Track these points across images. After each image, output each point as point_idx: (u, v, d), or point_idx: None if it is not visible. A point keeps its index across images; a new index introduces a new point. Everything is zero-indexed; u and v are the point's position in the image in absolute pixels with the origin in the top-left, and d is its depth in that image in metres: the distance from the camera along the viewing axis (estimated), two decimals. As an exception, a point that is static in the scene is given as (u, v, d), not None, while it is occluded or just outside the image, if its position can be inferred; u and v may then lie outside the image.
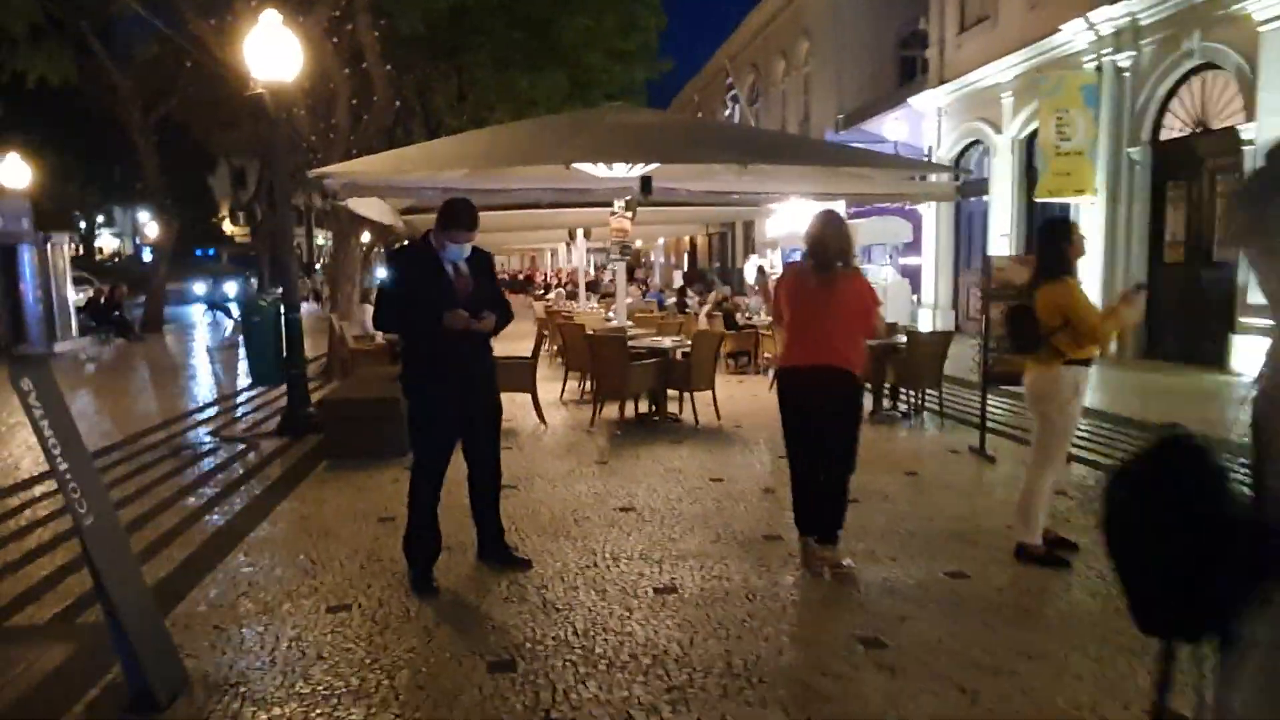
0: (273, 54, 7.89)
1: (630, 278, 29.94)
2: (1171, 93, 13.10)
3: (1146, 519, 1.73)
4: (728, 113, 32.88)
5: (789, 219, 20.00)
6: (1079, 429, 7.50)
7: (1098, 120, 14.03)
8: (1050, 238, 4.77)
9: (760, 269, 28.36)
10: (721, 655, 3.57)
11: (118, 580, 3.11)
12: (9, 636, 3.96)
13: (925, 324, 18.78)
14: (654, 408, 8.88)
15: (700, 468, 6.85)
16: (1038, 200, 15.12)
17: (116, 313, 20.28)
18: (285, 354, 8.56)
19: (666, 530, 5.23)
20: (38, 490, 6.45)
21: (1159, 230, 13.46)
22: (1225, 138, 11.84)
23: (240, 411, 9.81)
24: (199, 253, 53.51)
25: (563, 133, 8.90)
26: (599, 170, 9.37)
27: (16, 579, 4.63)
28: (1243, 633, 1.73)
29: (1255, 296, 11.18)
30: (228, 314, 21.96)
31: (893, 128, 20.90)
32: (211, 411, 9.90)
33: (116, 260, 57.89)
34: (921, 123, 20.09)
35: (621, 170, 9.46)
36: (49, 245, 3.08)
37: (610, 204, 10.46)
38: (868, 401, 8.23)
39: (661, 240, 38.81)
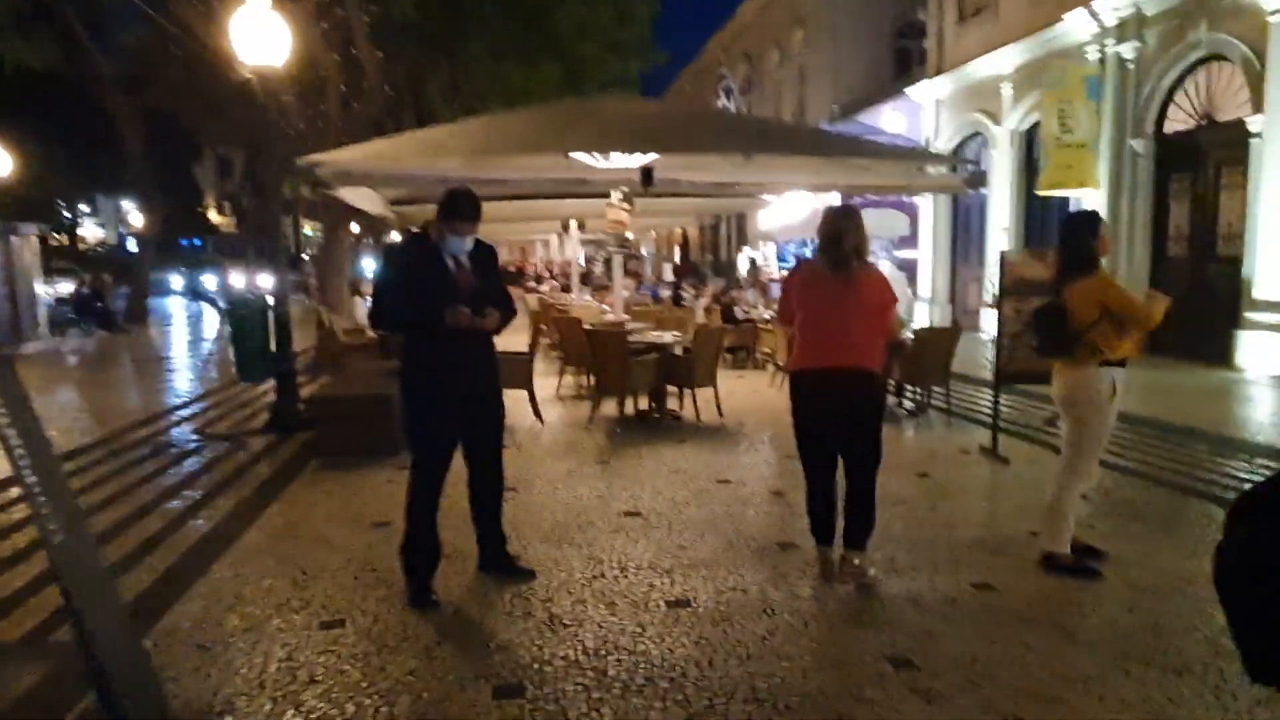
0: (261, 38, 7.60)
1: (624, 271, 29.74)
2: (1176, 84, 12.89)
3: (1274, 557, 1.49)
4: (720, 104, 32.60)
5: (783, 212, 19.79)
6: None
7: (1100, 112, 13.83)
8: (1076, 232, 4.54)
9: (752, 261, 28.27)
10: (744, 678, 3.33)
11: (91, 602, 2.85)
12: (-22, 655, 3.70)
13: (922, 318, 18.58)
14: (654, 405, 8.64)
15: (705, 468, 6.62)
16: (1039, 194, 14.94)
17: (99, 304, 19.89)
18: (273, 348, 8.27)
19: (675, 537, 5.00)
20: (13, 492, 6.16)
21: (1162, 224, 13.28)
22: (1232, 130, 11.65)
23: (227, 408, 9.52)
24: (184, 243, 52.97)
25: (561, 121, 8.63)
26: (597, 160, 9.12)
27: (-12, 590, 4.36)
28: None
29: (1262, 292, 11.02)
30: (215, 305, 21.61)
31: (889, 119, 20.66)
32: (197, 408, 9.61)
33: (101, 250, 57.23)
34: (919, 114, 19.87)
35: (621, 160, 9.21)
36: (13, 238, 2.81)
37: (607, 195, 10.21)
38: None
39: (652, 233, 38.55)
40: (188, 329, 20.63)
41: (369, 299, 13.34)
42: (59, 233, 51.11)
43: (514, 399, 7.99)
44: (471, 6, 17.24)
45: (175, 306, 27.07)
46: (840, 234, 4.24)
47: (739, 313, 13.37)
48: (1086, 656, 3.50)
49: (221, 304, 19.79)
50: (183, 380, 11.98)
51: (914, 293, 19.76)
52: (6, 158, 18.64)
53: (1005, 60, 16.35)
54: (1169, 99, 13.07)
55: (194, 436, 8.06)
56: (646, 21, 23.13)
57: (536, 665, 3.45)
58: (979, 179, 10.81)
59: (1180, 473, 6.33)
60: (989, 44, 16.86)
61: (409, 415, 4.11)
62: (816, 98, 25.96)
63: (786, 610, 3.96)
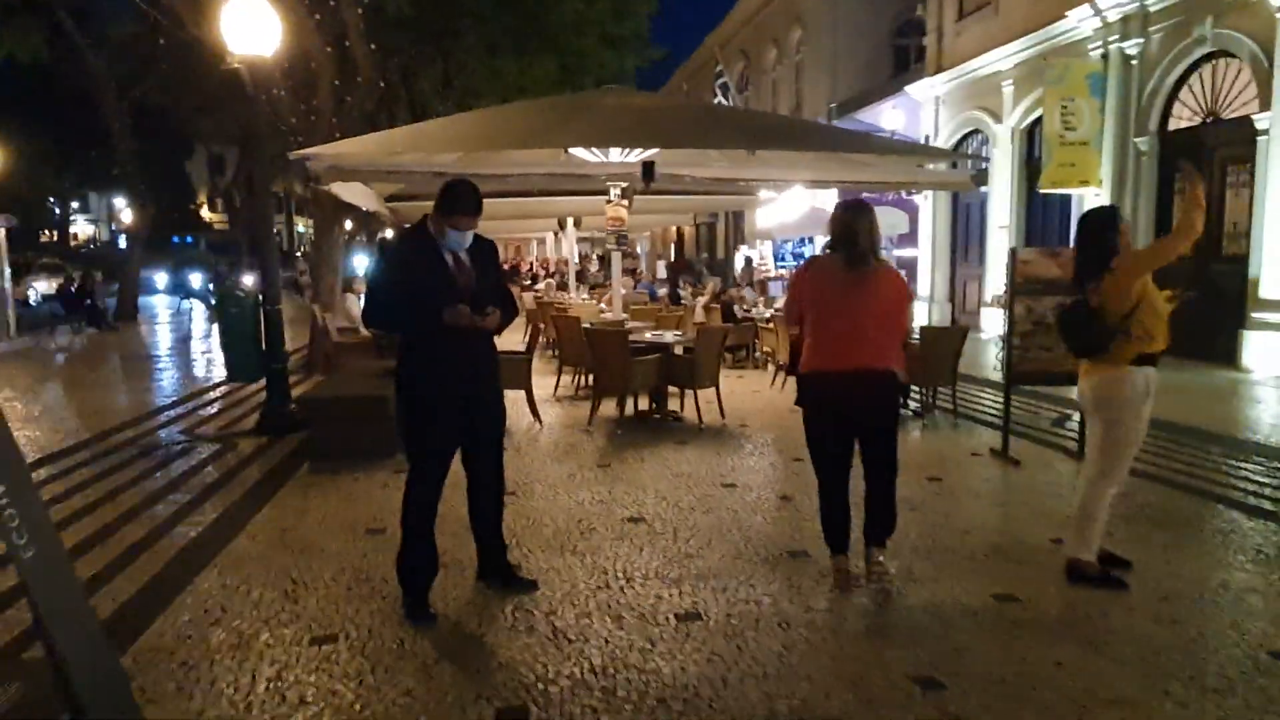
0: (251, 27, 7.37)
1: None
2: (1181, 81, 12.75)
3: None
4: (717, 101, 32.39)
5: (780, 210, 19.61)
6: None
7: (1104, 110, 13.68)
8: (1096, 230, 4.33)
9: (748, 260, 28.07)
10: (762, 699, 3.14)
11: (63, 623, 2.63)
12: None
13: (921, 318, 18.41)
14: (655, 405, 8.45)
15: (710, 472, 6.42)
16: (1041, 192, 14.78)
17: (89, 301, 19.61)
18: (264, 347, 8.05)
19: (681, 544, 4.81)
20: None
21: (1166, 223, 13.11)
22: (1238, 128, 11.51)
23: (216, 408, 9.30)
24: (176, 240, 52.60)
25: (561, 116, 8.43)
26: (596, 156, 8.92)
27: (-39, 602, 4.14)
28: None
29: (1269, 291, 10.87)
30: (206, 302, 21.34)
31: (888, 117, 20.48)
32: (186, 407, 9.38)
33: (92, 247, 56.82)
34: (918, 112, 19.71)
35: (622, 155, 9.01)
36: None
37: (604, 192, 10.01)
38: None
39: (646, 231, 38.33)
40: (178, 327, 20.35)
41: (362, 296, 13.14)
42: (49, 229, 50.74)
43: (511, 399, 7.75)
44: (467, 0, 17.02)
45: (171, 304, 26.71)
46: (854, 229, 4.07)
47: (738, 311, 13.18)
48: (1123, 675, 3.32)
49: (210, 301, 19.53)
50: (172, 379, 11.75)
51: (914, 291, 19.62)
52: (-5, 153, 18.32)
53: (1006, 57, 16.20)
54: (1173, 96, 12.93)
55: (182, 438, 7.84)
56: (644, 17, 22.93)
57: (541, 685, 3.26)
58: (986, 176, 10.66)
59: (1197, 476, 6.17)
60: (990, 41, 16.71)
61: (406, 418, 3.90)
62: (814, 96, 25.80)
63: (803, 624, 3.77)
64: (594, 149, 8.80)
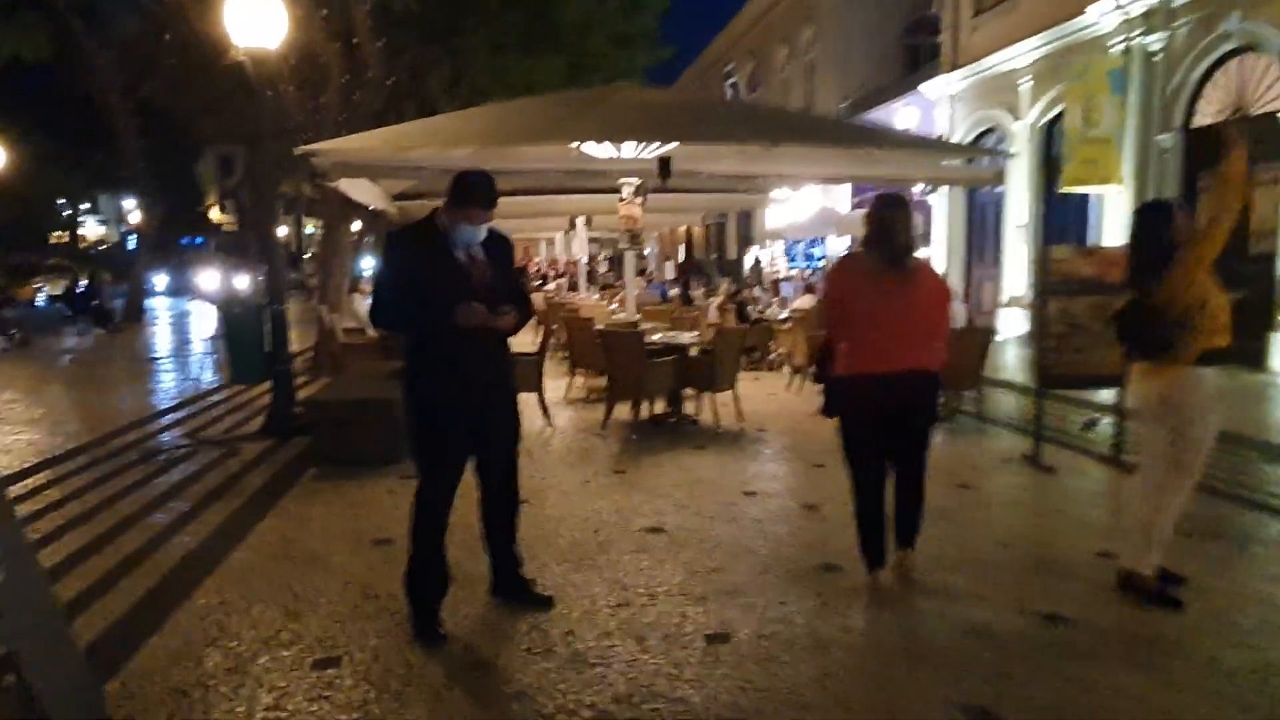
0: (255, 18, 7.15)
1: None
2: (1206, 77, 12.43)
3: None
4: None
5: (791, 209, 19.38)
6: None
7: (1125, 106, 13.37)
8: (1150, 226, 4.07)
9: (756, 260, 27.78)
10: (801, 733, 2.90)
11: (38, 653, 2.40)
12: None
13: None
14: (671, 408, 8.20)
15: (730, 479, 6.17)
16: (1062, 190, 14.49)
17: (95, 302, 19.46)
18: (269, 348, 7.82)
19: (704, 557, 4.55)
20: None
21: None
22: (1266, 124, 11.19)
23: (221, 411, 9.08)
24: (185, 241, 52.57)
25: (574, 110, 8.19)
26: (607, 151, 8.68)
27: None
28: None
29: (1299, 292, 10.58)
30: (211, 303, 21.13)
31: (902, 115, 20.18)
32: (190, 410, 9.17)
33: (102, 248, 56.81)
34: (933, 110, 19.41)
35: (636, 151, 8.77)
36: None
37: (616, 190, 9.78)
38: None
39: (654, 231, 38.06)
40: (185, 328, 20.18)
41: (369, 297, 12.92)
42: (59, 230, 50.73)
43: (523, 402, 7.53)
44: (475, -4, 16.81)
45: (175, 305, 26.55)
46: (892, 226, 3.89)
47: (752, 312, 12.92)
48: (1193, 707, 3.06)
49: (214, 302, 19.35)
50: (176, 381, 11.55)
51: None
52: (1, 153, 18.16)
53: (1024, 54, 15.90)
54: (1198, 92, 12.61)
55: (185, 441, 7.62)
56: (653, 15, 22.66)
57: (561, 716, 3.01)
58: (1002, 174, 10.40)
59: (1242, 485, 5.88)
60: (1007, 37, 16.41)
61: (415, 426, 3.64)
62: (825, 94, 25.52)
63: (840, 647, 3.51)
64: (607, 144, 8.57)
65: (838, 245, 24.09)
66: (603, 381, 9.80)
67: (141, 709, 3.05)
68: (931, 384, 3.99)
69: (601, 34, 20.69)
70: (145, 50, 19.39)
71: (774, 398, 9.65)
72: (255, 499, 5.72)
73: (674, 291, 17.73)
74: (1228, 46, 11.83)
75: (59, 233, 51.43)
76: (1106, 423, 7.85)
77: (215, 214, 56.32)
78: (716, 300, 13.45)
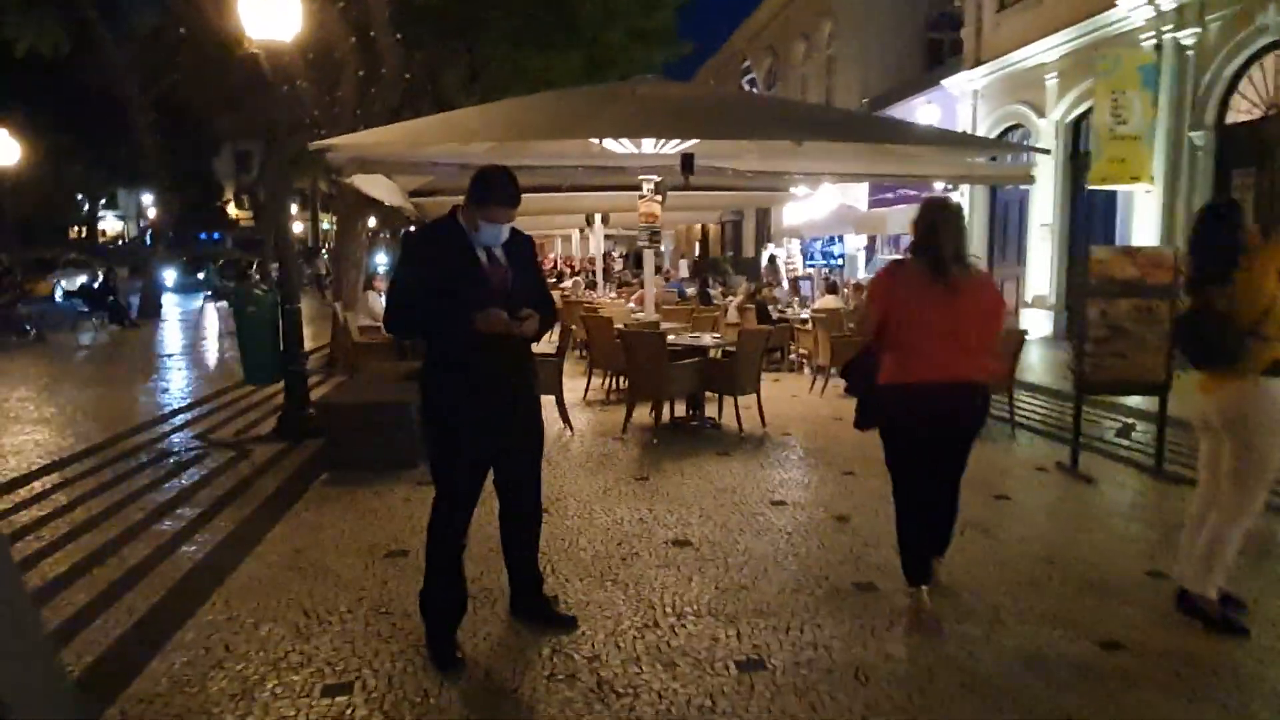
0: (269, 10, 6.97)
1: (639, 266, 28.97)
2: (1240, 72, 12.11)
3: None
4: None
5: (808, 207, 19.08)
6: (1178, 449, 6.63)
7: (1156, 102, 13.05)
8: (1220, 226, 3.81)
9: (771, 259, 27.47)
10: (847, 776, 2.68)
11: (18, 689, 2.21)
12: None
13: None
14: (692, 411, 7.99)
15: (756, 488, 5.95)
16: (1089, 188, 14.18)
17: (111, 297, 19.38)
18: (282, 348, 7.65)
19: (733, 574, 4.34)
20: (-8, 507, 5.57)
21: (1222, 221, 12.48)
22: (1304, 121, 10.90)
23: (234, 411, 8.91)
24: (203, 236, 52.74)
25: (594, 105, 7.99)
26: (626, 147, 8.47)
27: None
28: None
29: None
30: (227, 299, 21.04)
31: (924, 112, 19.88)
32: (203, 409, 9.01)
33: (120, 243, 57.04)
34: (954, 106, 19.11)
35: (656, 147, 8.56)
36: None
37: (634, 187, 9.57)
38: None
39: (671, 229, 37.78)
40: (200, 325, 20.09)
41: (383, 293, 12.73)
42: (78, 225, 50.94)
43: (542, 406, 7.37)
44: (492, -9, 16.60)
45: (175, 302, 26.47)
46: (941, 231, 3.67)
47: (773, 312, 12.68)
48: (1270, 749, 2.83)
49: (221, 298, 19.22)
50: (190, 379, 11.41)
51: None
52: (15, 146, 18.09)
53: (1050, 49, 15.59)
54: (1232, 88, 12.28)
55: (196, 443, 7.45)
56: (672, 10, 22.42)
57: (587, 752, 2.81)
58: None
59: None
60: (1033, 32, 16.11)
61: (432, 436, 3.44)
62: (844, 91, 25.22)
63: (884, 677, 3.29)
64: (627, 141, 8.37)
65: (855, 244, 23.82)
66: (615, 381, 9.63)
67: (140, 740, 2.87)
68: (980, 396, 3.81)
69: (620, 29, 20.48)
70: (163, 44, 19.32)
71: (796, 400, 9.43)
72: (266, 506, 5.54)
73: (691, 290, 17.51)
74: (1264, 41, 11.51)
75: (78, 228, 51.61)
76: (1143, 430, 7.62)
77: (233, 210, 56.50)
78: (736, 300, 13.21)
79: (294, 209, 41.04)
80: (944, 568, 4.18)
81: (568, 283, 19.52)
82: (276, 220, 8.44)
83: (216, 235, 54.57)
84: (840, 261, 23.51)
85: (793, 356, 12.09)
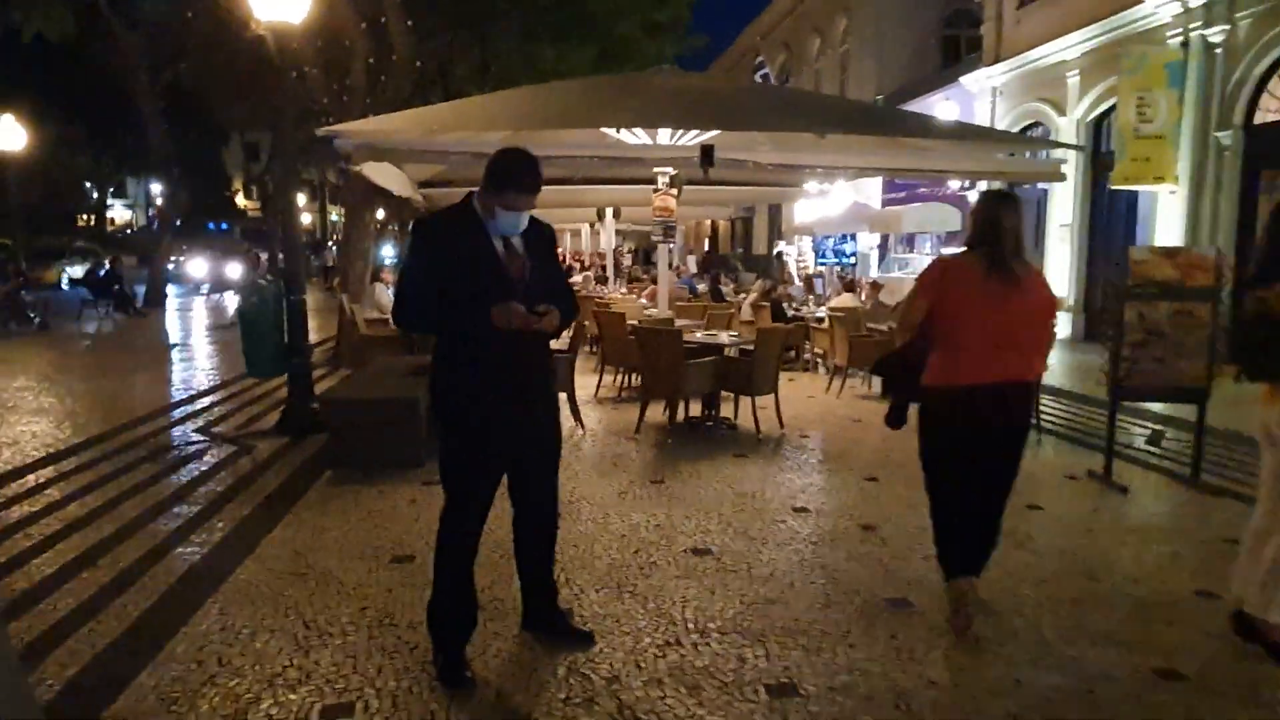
0: (278, -10, 6.75)
1: (648, 262, 28.75)
2: (1271, 71, 11.81)
3: None
4: (758, 92, 31.52)
5: (821, 204, 18.79)
6: (1214, 458, 6.38)
7: (1182, 101, 12.75)
8: None
9: (779, 255, 27.16)
10: (895, 821, 2.44)
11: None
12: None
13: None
14: (708, 411, 7.75)
15: (776, 492, 5.71)
16: (1112, 188, 13.89)
17: (116, 286, 19.20)
18: (286, 340, 7.43)
19: (758, 586, 4.10)
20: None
21: (1249, 224, 12.18)
22: (1337, 121, 10.60)
23: (236, 404, 8.70)
24: (211, 226, 52.64)
25: (611, 94, 7.77)
26: (639, 139, 8.25)
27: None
28: None
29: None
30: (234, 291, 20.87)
31: (941, 109, 19.59)
32: (205, 402, 8.80)
33: (129, 232, 56.97)
34: (972, 103, 18.81)
35: (672, 139, 8.34)
36: None
37: (646, 181, 9.34)
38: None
39: (681, 224, 37.47)
40: (206, 314, 19.90)
41: (390, 285, 12.50)
42: (87, 214, 50.87)
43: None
44: (504, -18, 16.38)
45: (185, 291, 26.28)
46: (1001, 226, 3.51)
47: (788, 309, 12.43)
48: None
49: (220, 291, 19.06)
50: (193, 370, 11.20)
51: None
52: (21, 132, 17.92)
53: (1072, 46, 15.30)
54: (1261, 87, 11.99)
55: (196, 437, 7.24)
56: (685, 3, 22.16)
57: (609, 787, 2.57)
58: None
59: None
60: (1054, 29, 15.82)
61: (443, 439, 3.20)
62: (858, 87, 24.94)
63: (926, 707, 3.04)
64: (641, 132, 8.14)
65: (868, 242, 23.52)
66: (627, 378, 9.40)
67: (123, 766, 2.65)
68: (1031, 397, 3.71)
69: (632, 21, 20.24)
70: (171, 31, 19.12)
71: (813, 401, 9.19)
72: (266, 505, 5.31)
73: (702, 286, 17.26)
74: (1296, 38, 11.22)
75: (87, 216, 51.52)
76: (1173, 436, 7.36)
77: (241, 200, 56.39)
78: (751, 297, 12.95)
79: (301, 200, 40.91)
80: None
81: (578, 278, 19.30)
82: (283, 210, 8.22)
83: (225, 225, 54.46)
84: (852, 260, 23.23)
85: (807, 356, 11.84)
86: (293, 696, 3.05)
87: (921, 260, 19.62)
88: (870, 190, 21.48)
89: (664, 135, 8.50)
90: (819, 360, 11.49)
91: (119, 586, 4.02)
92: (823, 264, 22.94)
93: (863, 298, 13.02)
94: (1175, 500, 5.74)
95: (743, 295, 15.30)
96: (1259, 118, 12.04)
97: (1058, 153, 13.12)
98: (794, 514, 5.25)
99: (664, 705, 3.02)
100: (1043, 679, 3.25)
